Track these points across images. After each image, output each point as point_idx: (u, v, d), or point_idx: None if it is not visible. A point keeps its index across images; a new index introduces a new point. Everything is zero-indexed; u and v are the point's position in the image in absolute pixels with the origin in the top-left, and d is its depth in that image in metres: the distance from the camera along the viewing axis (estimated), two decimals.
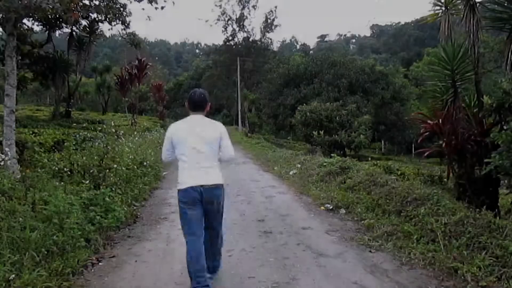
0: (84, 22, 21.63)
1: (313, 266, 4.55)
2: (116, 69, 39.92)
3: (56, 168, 7.12)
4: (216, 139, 3.90)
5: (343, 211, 7.04)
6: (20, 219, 4.52)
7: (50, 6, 5.76)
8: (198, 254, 3.77)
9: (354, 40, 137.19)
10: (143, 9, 8.66)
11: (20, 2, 5.82)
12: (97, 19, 19.14)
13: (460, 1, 7.72)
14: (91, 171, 7.31)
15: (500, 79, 6.12)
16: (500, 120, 6.26)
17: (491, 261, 4.11)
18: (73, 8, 6.64)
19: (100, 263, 4.71)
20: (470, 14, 7.09)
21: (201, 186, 3.73)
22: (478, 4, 7.33)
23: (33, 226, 4.53)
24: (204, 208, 3.82)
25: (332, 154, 13.07)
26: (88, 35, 22.75)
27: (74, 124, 18.47)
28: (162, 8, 8.54)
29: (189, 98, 4.00)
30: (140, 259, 4.86)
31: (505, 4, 6.86)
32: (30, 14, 7.62)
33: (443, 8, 8.32)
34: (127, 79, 26.63)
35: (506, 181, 5.95)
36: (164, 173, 11.67)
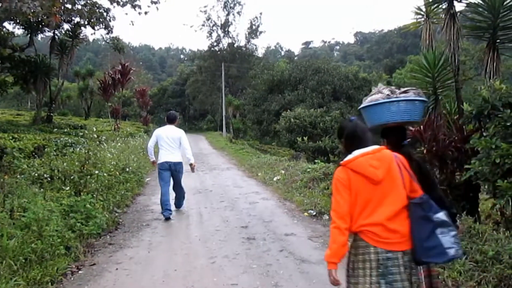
0: (66, 26, 21.36)
1: (296, 273, 4.54)
2: (100, 74, 39.44)
3: (36, 174, 6.99)
4: (178, 138, 7.44)
5: (326, 217, 7.06)
6: None
7: (31, 10, 5.67)
8: (165, 192, 7.25)
9: (338, 47, 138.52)
10: (126, 14, 8.71)
11: (0, 4, 5.71)
12: (79, 23, 18.90)
13: (441, 10, 7.86)
14: (72, 177, 7.20)
15: (480, 86, 6.22)
16: (479, 127, 6.35)
17: (471, 266, 4.16)
18: (55, 12, 6.52)
19: (80, 271, 4.63)
20: (451, 23, 7.21)
21: (169, 161, 7.30)
22: (458, 13, 7.47)
23: (11, 233, 4.43)
24: (171, 172, 7.38)
25: (316, 160, 13.12)
26: (70, 39, 22.44)
27: (56, 129, 18.14)
28: (146, 13, 8.45)
29: (167, 116, 7.86)
30: (121, 266, 4.79)
31: (485, 14, 6.99)
32: (11, 18, 7.45)
33: (425, 17, 8.46)
34: (110, 84, 26.28)
35: (486, 187, 6.03)
36: (147, 179, 11.56)
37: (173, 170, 7.34)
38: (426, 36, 8.18)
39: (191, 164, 7.70)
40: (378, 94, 3.29)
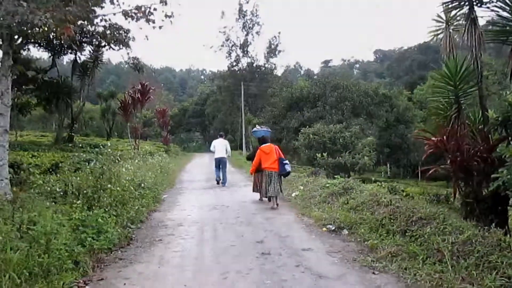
0: (88, 48, 21.82)
1: None
2: (121, 96, 40.11)
3: (49, 189, 6.93)
4: (225, 145, 14.76)
5: (345, 232, 6.76)
6: (1, 238, 4.28)
7: (43, 22, 5.68)
8: (218, 173, 14.51)
9: (357, 65, 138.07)
10: (141, 28, 8.53)
11: (12, 17, 5.75)
12: (100, 44, 19.27)
13: (461, 16, 7.61)
14: (85, 191, 7.11)
15: (505, 91, 5.92)
16: (507, 134, 6.02)
17: (503, 281, 3.85)
18: (68, 21, 6.46)
19: (87, 286, 4.47)
20: (472, 28, 6.97)
21: (220, 157, 14.35)
22: (480, 17, 7.21)
23: (17, 246, 4.31)
24: (220, 163, 14.42)
25: (335, 176, 12.81)
26: (92, 61, 22.88)
27: (76, 148, 18.36)
28: (160, 27, 8.44)
29: (219, 134, 15.98)
30: (130, 282, 4.62)
31: (509, 17, 6.71)
32: (27, 34, 7.52)
33: (445, 24, 8.22)
34: (130, 103, 26.53)
35: None
36: (164, 196, 11.45)
37: (221, 162, 14.13)
38: (446, 44, 7.94)
39: (228, 156, 14.93)
40: (255, 128, 12.95)
